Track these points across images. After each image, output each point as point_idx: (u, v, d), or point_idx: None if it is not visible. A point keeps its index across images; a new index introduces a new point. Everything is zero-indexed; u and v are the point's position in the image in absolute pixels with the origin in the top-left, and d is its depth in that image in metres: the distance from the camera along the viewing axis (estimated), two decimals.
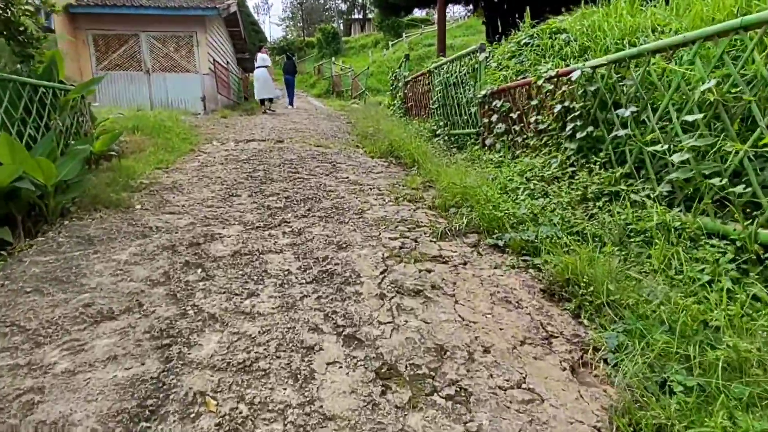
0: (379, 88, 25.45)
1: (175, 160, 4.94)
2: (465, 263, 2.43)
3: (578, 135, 2.95)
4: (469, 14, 27.85)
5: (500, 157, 3.91)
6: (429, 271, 2.34)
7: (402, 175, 4.73)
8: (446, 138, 5.81)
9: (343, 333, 1.80)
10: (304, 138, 6.70)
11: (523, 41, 4.66)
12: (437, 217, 3.23)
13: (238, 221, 3.15)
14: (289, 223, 3.13)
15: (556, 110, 3.17)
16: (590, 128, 2.88)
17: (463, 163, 4.53)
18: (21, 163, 2.97)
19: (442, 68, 6.27)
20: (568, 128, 3.06)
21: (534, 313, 2.00)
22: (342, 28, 52.70)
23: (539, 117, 3.45)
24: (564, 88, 3.17)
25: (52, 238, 2.85)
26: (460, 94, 5.54)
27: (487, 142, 4.37)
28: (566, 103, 3.08)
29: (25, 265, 2.47)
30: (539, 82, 3.39)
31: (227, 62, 15.82)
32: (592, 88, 2.89)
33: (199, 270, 2.41)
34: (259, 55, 12.04)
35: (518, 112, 3.85)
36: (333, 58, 26.99)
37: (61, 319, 1.91)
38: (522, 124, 3.83)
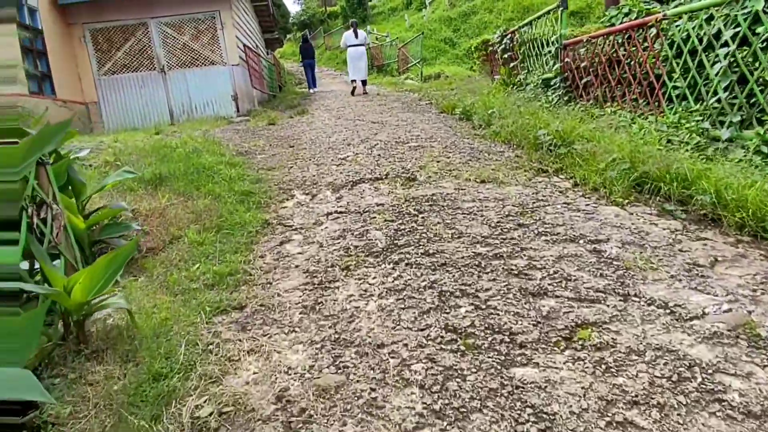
0: (425, 57, 22.44)
1: (246, 267, 2.41)
2: None
3: None
4: None
5: None
6: None
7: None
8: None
9: None
10: (438, 163, 4.03)
11: None
12: None
13: None
14: None
15: None
16: None
17: None
18: None
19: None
20: None
21: None
22: None
23: None
24: None
25: None
26: None
27: None
28: None
29: None
30: None
31: (257, 45, 13.29)
32: None
33: None
34: (360, 33, 11.21)
35: None
36: (368, 27, 23.96)
37: None
38: None
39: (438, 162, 4.04)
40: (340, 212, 3.07)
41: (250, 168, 4.29)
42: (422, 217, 2.85)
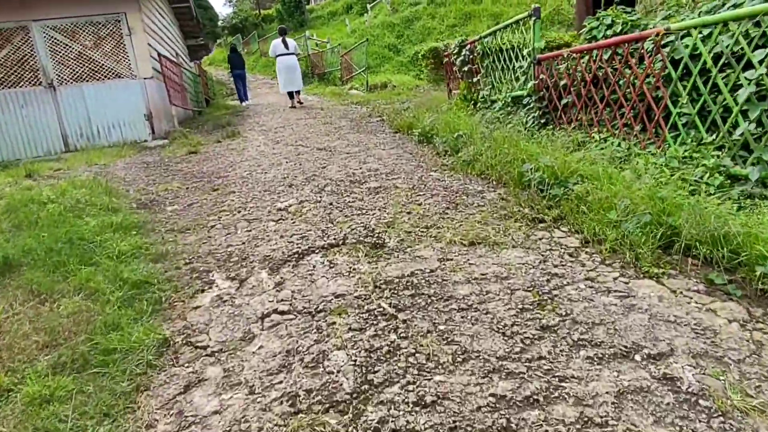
0: (369, 64, 22.17)
1: None
2: None
3: None
4: None
5: None
6: None
7: None
8: None
9: None
10: (409, 215, 3.25)
11: None
12: None
13: None
14: None
15: None
16: None
17: None
18: None
19: None
20: None
21: None
22: None
23: None
24: None
25: None
26: None
27: None
28: None
29: None
30: None
31: (177, 54, 12.00)
32: None
33: None
34: (289, 41, 10.82)
35: None
36: (307, 33, 23.07)
37: None
38: None
39: (409, 213, 3.26)
40: (282, 313, 2.18)
41: (154, 231, 3.27)
42: (404, 321, 2.04)
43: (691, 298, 2.13)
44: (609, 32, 4.08)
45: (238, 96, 14.07)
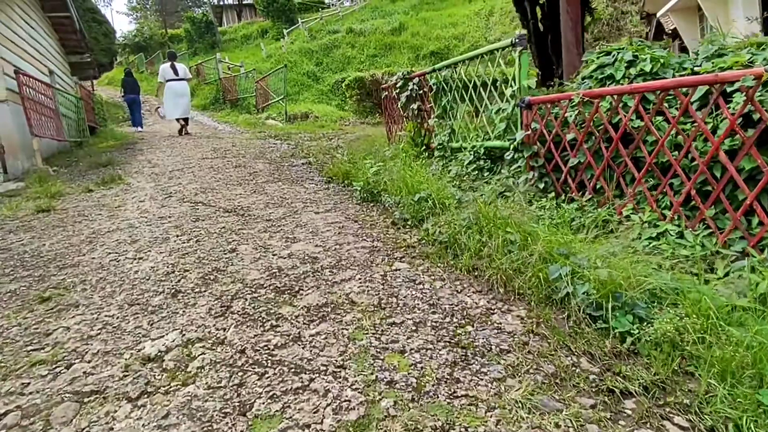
0: (288, 92, 20.70)
1: None
2: None
3: None
4: None
5: None
6: None
7: None
8: None
9: None
10: (393, 391, 1.80)
11: None
12: None
13: None
14: None
15: None
16: None
17: None
18: None
19: None
20: None
21: None
22: (213, 16, 46.11)
23: None
24: None
25: None
26: None
27: None
28: None
29: None
30: None
31: (51, 72, 9.59)
32: None
33: None
34: (179, 66, 10.50)
35: None
36: (218, 55, 20.98)
37: None
38: None
39: (390, 384, 1.79)
40: None
41: None
42: None
43: None
44: (632, 71, 3.04)
45: (132, 122, 12.23)
